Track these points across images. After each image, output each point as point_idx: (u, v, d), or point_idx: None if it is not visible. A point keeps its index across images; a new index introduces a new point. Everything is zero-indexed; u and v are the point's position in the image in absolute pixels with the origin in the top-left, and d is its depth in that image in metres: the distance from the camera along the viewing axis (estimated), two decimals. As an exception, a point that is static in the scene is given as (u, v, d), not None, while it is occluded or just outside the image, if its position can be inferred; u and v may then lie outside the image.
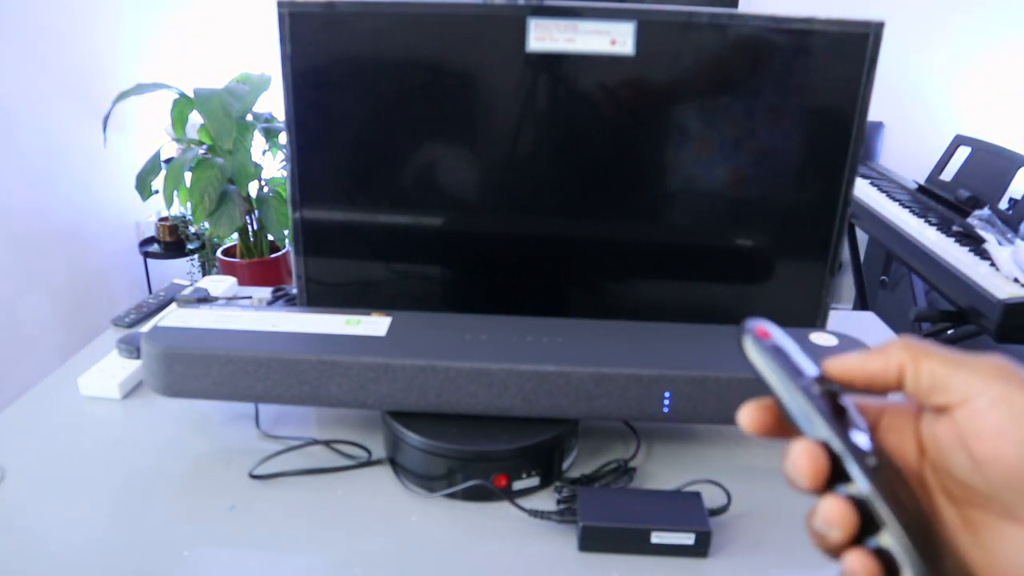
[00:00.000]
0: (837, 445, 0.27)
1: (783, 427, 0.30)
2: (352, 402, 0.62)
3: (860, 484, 0.26)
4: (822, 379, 0.29)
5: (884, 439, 0.30)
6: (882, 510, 0.25)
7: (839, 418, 0.28)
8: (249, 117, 2.27)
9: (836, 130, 0.69)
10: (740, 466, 0.67)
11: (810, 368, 0.30)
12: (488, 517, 0.59)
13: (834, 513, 0.26)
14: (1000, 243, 1.66)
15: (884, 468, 0.27)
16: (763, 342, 0.30)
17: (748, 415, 0.31)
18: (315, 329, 0.65)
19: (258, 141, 2.32)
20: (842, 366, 0.30)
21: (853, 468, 0.26)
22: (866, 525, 0.26)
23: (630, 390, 0.61)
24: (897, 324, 1.05)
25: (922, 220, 1.91)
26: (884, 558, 0.25)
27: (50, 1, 2.03)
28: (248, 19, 2.57)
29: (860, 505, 0.26)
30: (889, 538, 0.25)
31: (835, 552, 0.27)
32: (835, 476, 0.27)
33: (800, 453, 0.27)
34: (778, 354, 0.30)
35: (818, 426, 0.28)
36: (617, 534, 0.55)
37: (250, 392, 0.62)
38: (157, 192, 2.22)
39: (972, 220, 1.80)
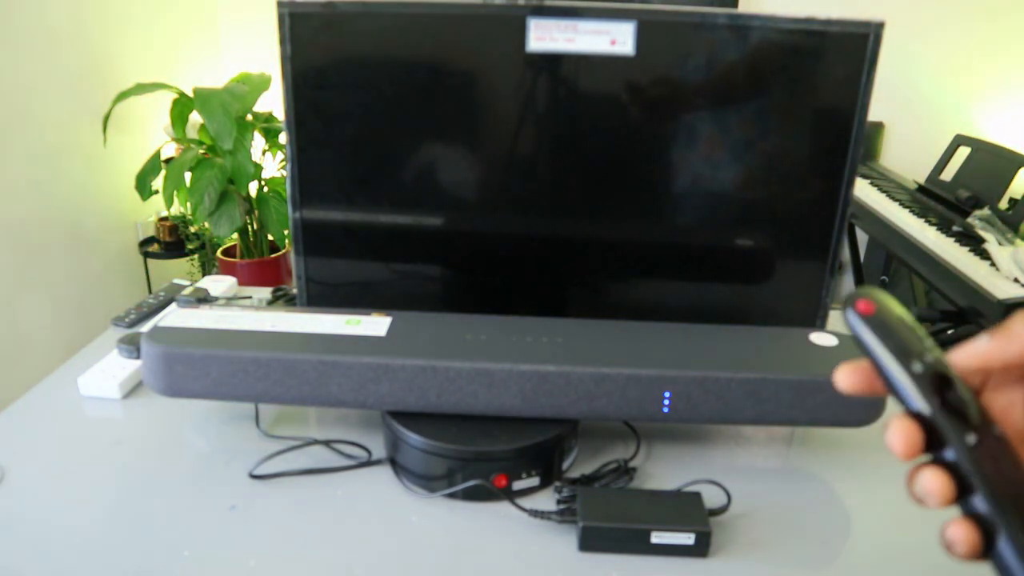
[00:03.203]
0: (933, 416, 0.29)
1: (875, 386, 0.32)
2: (352, 402, 0.62)
3: (956, 454, 0.29)
4: (934, 362, 0.31)
5: (990, 401, 0.32)
6: (975, 478, 0.28)
7: (941, 390, 0.30)
8: (249, 117, 2.27)
9: (836, 130, 0.69)
10: (740, 466, 0.67)
11: (915, 342, 0.31)
12: (488, 517, 0.59)
13: (931, 484, 0.29)
14: (1000, 243, 1.66)
15: (984, 437, 0.29)
16: (867, 317, 0.31)
17: (845, 376, 0.33)
18: (315, 329, 0.65)
19: (258, 141, 2.32)
20: (976, 356, 0.31)
21: (950, 439, 0.29)
22: (965, 486, 0.28)
23: (630, 390, 0.61)
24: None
25: (922, 220, 1.91)
26: (982, 521, 0.28)
27: (51, 1, 2.03)
28: (248, 19, 2.57)
29: (958, 469, 0.29)
30: (982, 502, 0.28)
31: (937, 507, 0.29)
32: (936, 443, 0.29)
33: (895, 429, 0.29)
34: (883, 329, 0.31)
35: (917, 400, 0.30)
36: (617, 534, 0.55)
37: (250, 392, 0.62)
38: (157, 192, 2.22)
39: (972, 220, 1.80)
